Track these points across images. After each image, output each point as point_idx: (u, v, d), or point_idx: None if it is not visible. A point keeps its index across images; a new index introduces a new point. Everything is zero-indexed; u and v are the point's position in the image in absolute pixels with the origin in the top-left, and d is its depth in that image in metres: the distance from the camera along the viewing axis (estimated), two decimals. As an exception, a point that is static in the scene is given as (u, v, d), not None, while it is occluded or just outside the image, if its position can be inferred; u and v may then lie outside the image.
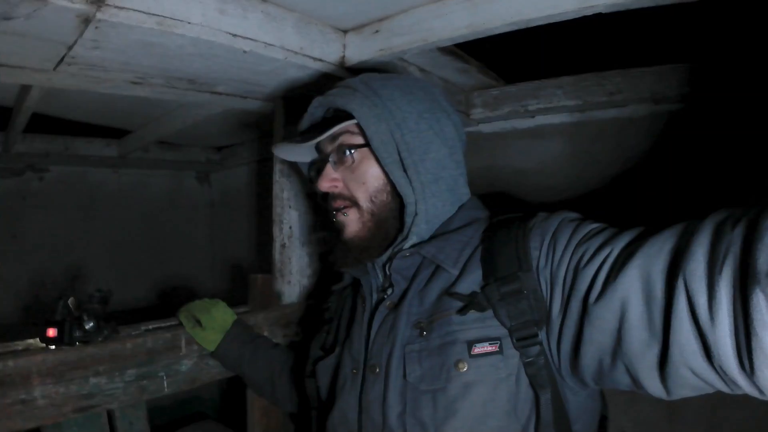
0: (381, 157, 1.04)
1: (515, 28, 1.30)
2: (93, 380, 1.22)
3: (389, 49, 1.45)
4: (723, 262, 0.61)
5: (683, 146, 1.76)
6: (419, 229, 1.06)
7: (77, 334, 1.23)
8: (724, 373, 0.63)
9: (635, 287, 0.73)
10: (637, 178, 1.84)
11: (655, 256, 0.71)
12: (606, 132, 1.94)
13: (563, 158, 2.02)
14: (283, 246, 1.72)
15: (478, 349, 0.90)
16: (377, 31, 1.47)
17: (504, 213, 1.08)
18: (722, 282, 0.61)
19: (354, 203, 1.10)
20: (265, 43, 1.34)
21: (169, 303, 3.26)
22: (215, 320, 1.41)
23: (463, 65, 1.81)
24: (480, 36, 1.35)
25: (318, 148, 1.17)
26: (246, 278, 1.75)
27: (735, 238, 0.61)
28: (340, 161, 1.10)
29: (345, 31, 1.54)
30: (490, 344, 0.90)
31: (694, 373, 0.68)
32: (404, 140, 1.04)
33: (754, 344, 0.57)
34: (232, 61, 1.40)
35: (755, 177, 1.49)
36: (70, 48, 1.25)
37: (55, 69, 1.41)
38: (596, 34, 1.74)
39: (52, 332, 1.22)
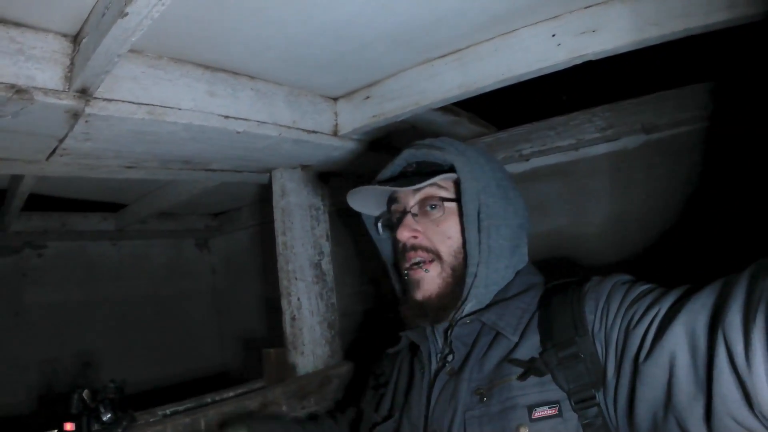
0: (467, 215, 1.04)
1: (507, 84, 1.31)
2: (116, 473, 1.19)
3: (382, 115, 1.45)
4: (756, 311, 0.63)
5: (680, 172, 1.77)
6: (478, 292, 1.06)
7: (95, 427, 1.20)
8: (765, 419, 0.64)
9: (682, 343, 0.75)
10: (635, 209, 1.85)
11: (699, 312, 0.74)
12: (601, 167, 1.94)
13: (561, 197, 2.02)
14: (293, 318, 1.70)
15: (538, 413, 0.91)
16: (368, 97, 1.48)
17: (559, 278, 1.09)
18: (756, 329, 0.63)
19: (437, 257, 1.09)
20: (258, 121, 1.34)
21: (180, 381, 3.20)
22: None
23: (454, 118, 1.82)
24: (472, 95, 1.36)
25: (391, 199, 1.17)
26: (253, 349, 1.72)
27: (766, 287, 0.63)
28: (424, 213, 1.10)
29: (335, 99, 1.55)
30: (549, 408, 0.91)
31: (737, 422, 0.68)
32: (486, 203, 1.05)
33: None
34: (225, 141, 1.40)
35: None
36: (61, 141, 1.26)
37: (47, 160, 1.41)
38: (581, 73, 1.76)
39: (69, 427, 1.19)
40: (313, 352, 1.71)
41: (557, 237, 2.00)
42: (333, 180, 1.93)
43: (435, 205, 1.09)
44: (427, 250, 1.09)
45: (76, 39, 1.03)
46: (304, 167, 1.79)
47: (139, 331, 3.20)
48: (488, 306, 1.07)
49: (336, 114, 1.55)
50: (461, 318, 1.07)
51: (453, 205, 1.09)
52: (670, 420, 0.78)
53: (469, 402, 0.99)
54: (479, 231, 1.05)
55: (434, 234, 1.09)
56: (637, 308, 0.85)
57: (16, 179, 1.80)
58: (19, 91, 0.97)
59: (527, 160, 2.05)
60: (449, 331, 1.09)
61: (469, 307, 1.07)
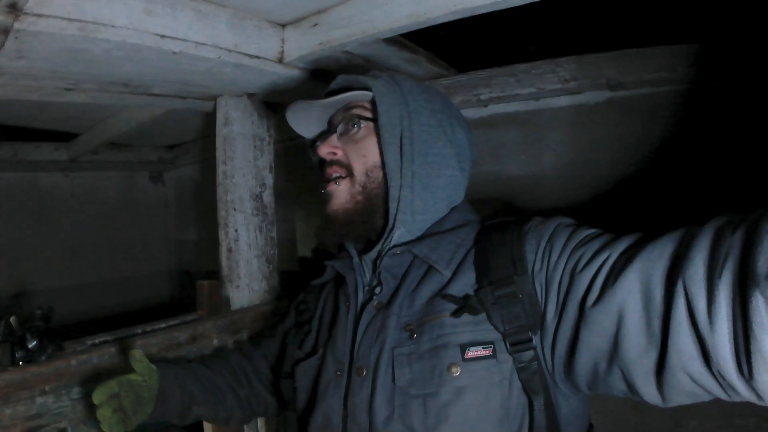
0: (382, 135, 1.04)
1: (459, 17, 1.24)
2: (40, 400, 1.17)
3: (328, 43, 1.39)
4: (723, 266, 0.61)
5: (644, 132, 1.73)
6: (405, 219, 1.03)
7: (20, 354, 1.19)
8: (723, 378, 0.63)
9: (634, 292, 0.72)
10: (593, 166, 1.82)
11: (655, 261, 0.71)
12: (561, 120, 1.91)
13: (517, 147, 1.99)
14: (229, 250, 1.67)
15: (471, 353, 0.88)
16: (316, 24, 1.41)
17: (496, 217, 1.07)
18: (722, 285, 0.61)
19: (349, 173, 1.09)
20: (196, 42, 1.28)
21: (126, 311, 3.19)
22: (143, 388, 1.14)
23: (411, 55, 1.76)
24: (422, 26, 1.29)
25: (330, 123, 1.18)
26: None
27: (735, 242, 0.61)
28: (346, 131, 1.11)
29: (283, 26, 1.48)
30: (483, 348, 0.88)
31: (692, 378, 0.67)
32: (411, 129, 1.05)
33: (752, 347, 0.57)
34: (162, 62, 1.34)
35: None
36: (-6, 59, 1.21)
37: (-18, 81, 1.36)
38: (549, 21, 1.71)
39: (-7, 353, 1.18)
40: (249, 287, 1.68)
41: (508, 186, 1.99)
42: (280, 110, 1.87)
43: (355, 124, 1.10)
44: (341, 165, 1.10)
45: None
46: (249, 96, 1.72)
47: (90, 264, 3.17)
48: (420, 238, 1.04)
49: (283, 41, 1.48)
50: (391, 248, 1.03)
51: (373, 125, 1.09)
52: (614, 371, 0.77)
53: (398, 338, 0.96)
54: (402, 156, 1.03)
55: (351, 151, 1.10)
56: (585, 251, 0.83)
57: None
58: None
59: (485, 105, 2.01)
60: (378, 262, 1.05)
61: (397, 235, 1.04)
